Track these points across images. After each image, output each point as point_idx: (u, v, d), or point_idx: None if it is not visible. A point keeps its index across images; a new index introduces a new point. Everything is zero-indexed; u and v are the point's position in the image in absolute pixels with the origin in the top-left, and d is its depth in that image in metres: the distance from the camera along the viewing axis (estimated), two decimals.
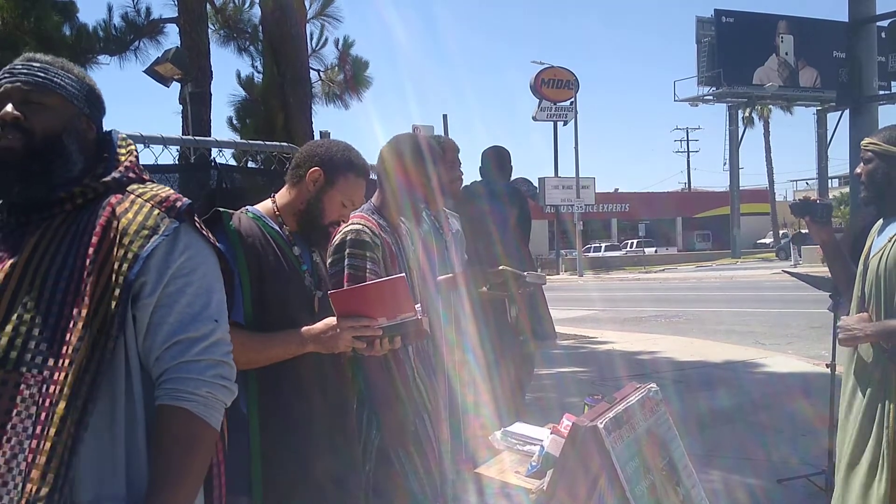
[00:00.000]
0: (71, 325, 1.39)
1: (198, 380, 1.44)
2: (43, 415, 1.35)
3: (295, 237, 2.19)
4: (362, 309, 2.00)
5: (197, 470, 1.44)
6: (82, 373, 1.37)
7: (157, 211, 1.47)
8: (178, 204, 1.49)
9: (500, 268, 3.48)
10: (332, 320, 2.02)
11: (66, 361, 1.37)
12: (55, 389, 1.36)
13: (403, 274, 2.13)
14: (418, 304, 2.08)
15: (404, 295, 2.01)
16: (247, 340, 1.99)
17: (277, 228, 2.17)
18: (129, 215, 1.46)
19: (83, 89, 1.56)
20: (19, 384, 1.36)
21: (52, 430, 1.34)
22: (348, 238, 2.50)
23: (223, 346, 1.50)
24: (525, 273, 3.57)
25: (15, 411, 1.36)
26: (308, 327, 2.04)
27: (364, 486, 2.36)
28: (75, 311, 1.39)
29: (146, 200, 1.49)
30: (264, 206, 2.22)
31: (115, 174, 1.52)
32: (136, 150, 1.63)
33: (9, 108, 1.47)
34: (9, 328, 1.38)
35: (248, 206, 2.22)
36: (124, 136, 1.65)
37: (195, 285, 1.48)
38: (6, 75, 1.52)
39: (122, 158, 1.57)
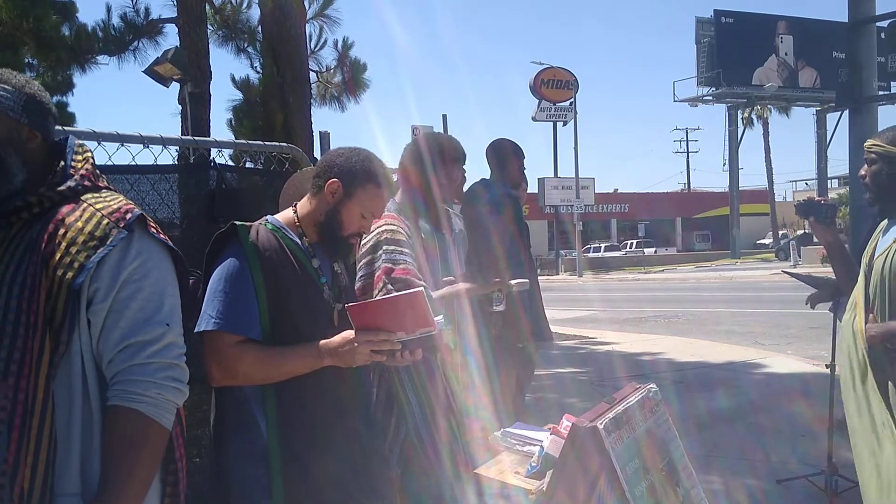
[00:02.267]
0: (31, 333, 1.44)
1: (147, 381, 1.49)
2: (17, 420, 1.41)
3: (315, 248, 2.16)
4: (380, 323, 1.95)
5: (146, 468, 1.50)
6: (47, 379, 1.43)
7: (106, 221, 1.52)
8: (129, 216, 1.54)
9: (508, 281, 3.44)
10: (349, 333, 1.98)
11: (30, 369, 1.42)
12: (24, 397, 1.41)
13: (422, 289, 2.09)
14: (439, 317, 2.00)
15: (423, 309, 1.94)
16: (263, 356, 1.98)
17: (297, 240, 2.14)
18: (79, 224, 1.50)
19: (20, 99, 1.58)
20: None
21: (34, 433, 1.41)
22: (384, 237, 2.55)
23: (174, 348, 1.55)
24: (512, 283, 3.52)
25: None
26: (325, 341, 2.00)
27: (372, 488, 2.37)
28: (31, 318, 1.44)
29: (98, 210, 1.53)
30: (285, 216, 2.19)
31: (71, 183, 1.56)
32: (92, 157, 1.67)
33: None
34: None
35: (268, 217, 2.18)
36: (80, 142, 1.69)
37: (147, 290, 1.53)
38: None
39: (79, 166, 1.61)
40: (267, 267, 2.03)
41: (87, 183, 1.59)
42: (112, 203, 1.56)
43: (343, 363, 2.00)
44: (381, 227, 2.57)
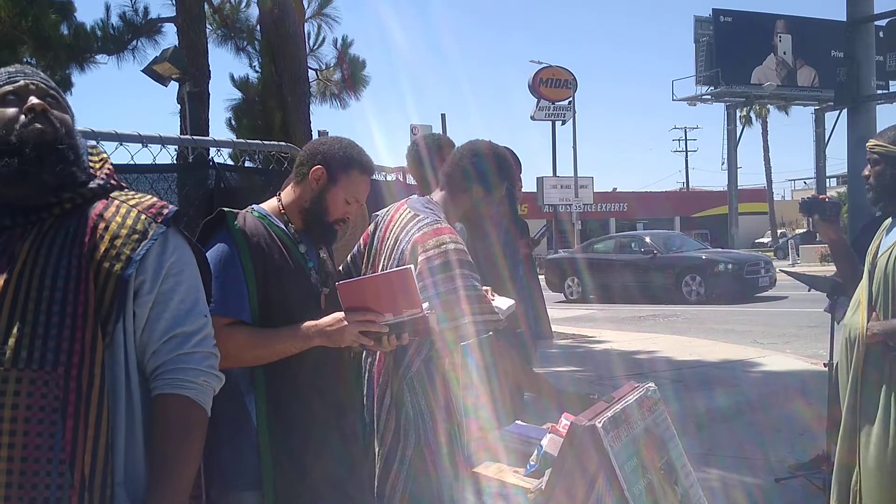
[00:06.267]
0: (80, 323, 1.48)
1: (195, 369, 1.58)
2: (70, 408, 1.44)
3: (301, 235, 2.20)
4: (369, 301, 1.99)
5: (196, 452, 1.58)
6: (103, 367, 1.48)
7: (144, 217, 1.59)
8: (165, 211, 1.62)
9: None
10: (339, 314, 2.02)
11: (80, 359, 1.46)
12: (76, 385, 1.45)
13: (411, 266, 2.11)
14: (426, 303, 2.05)
15: (412, 289, 1.99)
16: (253, 337, 2.01)
17: (283, 227, 2.18)
18: (118, 219, 1.57)
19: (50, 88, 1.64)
20: (35, 381, 1.44)
21: (92, 420, 1.45)
22: (456, 258, 2.29)
23: (212, 338, 1.65)
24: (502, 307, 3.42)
25: (38, 406, 1.43)
26: (314, 321, 2.04)
27: (369, 489, 2.37)
28: (80, 308, 1.48)
29: (132, 206, 1.60)
30: (270, 205, 2.23)
31: (100, 181, 1.63)
32: (109, 159, 1.73)
33: (35, 99, 1.56)
34: (15, 329, 1.45)
35: (253, 206, 2.22)
36: (93, 143, 1.76)
37: (185, 284, 1.61)
38: (14, 75, 1.60)
39: (96, 166, 1.67)
40: (255, 252, 2.06)
41: (112, 182, 1.66)
42: (144, 200, 1.64)
43: (331, 343, 2.03)
44: (447, 242, 2.31)
